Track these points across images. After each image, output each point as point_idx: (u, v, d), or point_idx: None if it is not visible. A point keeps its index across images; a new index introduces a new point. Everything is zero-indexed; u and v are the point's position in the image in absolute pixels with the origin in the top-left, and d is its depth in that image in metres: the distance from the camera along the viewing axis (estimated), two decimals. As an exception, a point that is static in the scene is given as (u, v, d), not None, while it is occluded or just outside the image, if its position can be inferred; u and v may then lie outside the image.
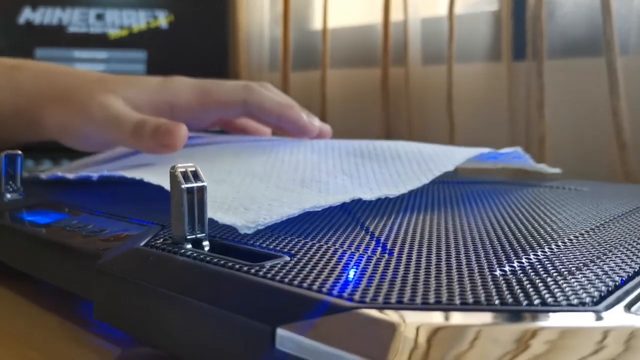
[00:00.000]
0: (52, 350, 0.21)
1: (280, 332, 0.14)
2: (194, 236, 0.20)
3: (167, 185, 0.23)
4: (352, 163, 0.31)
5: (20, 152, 0.32)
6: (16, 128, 0.41)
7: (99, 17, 0.86)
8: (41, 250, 0.24)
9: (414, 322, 0.13)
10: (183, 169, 0.20)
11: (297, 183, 0.27)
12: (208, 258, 0.18)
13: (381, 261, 0.18)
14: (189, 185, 0.20)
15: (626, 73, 0.55)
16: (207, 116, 0.39)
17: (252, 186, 0.26)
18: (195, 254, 0.19)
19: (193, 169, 0.20)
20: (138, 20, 0.87)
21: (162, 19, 0.88)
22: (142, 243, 0.21)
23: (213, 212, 0.22)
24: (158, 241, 0.21)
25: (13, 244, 0.27)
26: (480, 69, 0.70)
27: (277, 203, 0.23)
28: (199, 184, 0.20)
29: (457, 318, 0.14)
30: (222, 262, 0.18)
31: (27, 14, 0.84)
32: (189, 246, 0.20)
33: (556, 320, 0.14)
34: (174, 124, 0.32)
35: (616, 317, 0.14)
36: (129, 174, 0.29)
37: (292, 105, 0.37)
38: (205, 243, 0.20)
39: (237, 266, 0.17)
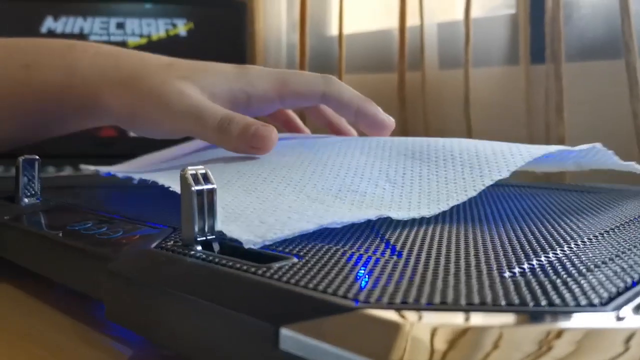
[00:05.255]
0: (64, 350, 0.21)
1: (284, 331, 0.14)
2: (204, 238, 0.20)
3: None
4: (400, 167, 0.29)
5: (37, 156, 0.32)
6: (65, 110, 0.38)
7: (119, 26, 0.88)
8: (56, 252, 0.25)
9: (417, 321, 0.13)
10: (193, 172, 0.20)
11: (332, 193, 0.26)
12: (217, 260, 0.19)
13: (389, 263, 0.18)
14: (199, 187, 0.20)
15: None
16: (283, 106, 0.38)
17: (282, 196, 0.25)
18: (204, 256, 0.19)
19: (203, 171, 0.20)
20: (157, 28, 0.88)
21: (181, 27, 0.89)
22: (153, 245, 0.21)
23: (227, 224, 0.21)
24: (169, 243, 0.21)
25: (29, 246, 0.27)
26: (497, 72, 0.69)
27: (297, 216, 0.22)
28: (209, 186, 0.20)
29: (462, 318, 0.14)
30: (230, 263, 0.18)
31: (49, 23, 0.85)
32: (199, 248, 0.20)
33: (562, 321, 0.13)
34: (265, 126, 0.31)
35: (624, 318, 0.13)
36: (162, 180, 0.28)
37: (370, 100, 0.37)
38: (216, 245, 0.20)
39: (244, 267, 0.18)
